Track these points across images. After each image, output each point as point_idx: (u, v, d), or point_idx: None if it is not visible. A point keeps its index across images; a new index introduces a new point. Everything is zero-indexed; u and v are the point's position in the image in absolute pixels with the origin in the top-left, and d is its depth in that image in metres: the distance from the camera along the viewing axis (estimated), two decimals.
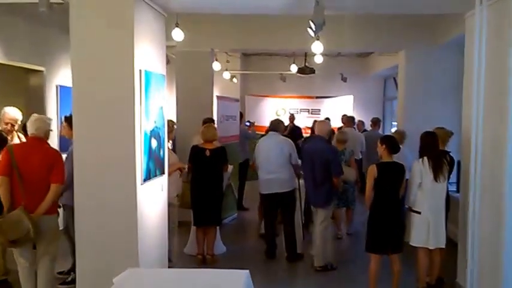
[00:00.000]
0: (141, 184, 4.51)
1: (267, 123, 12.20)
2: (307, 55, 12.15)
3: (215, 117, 8.27)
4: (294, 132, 11.58)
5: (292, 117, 13.25)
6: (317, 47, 6.75)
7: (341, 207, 7.46)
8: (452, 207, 5.66)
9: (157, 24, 5.10)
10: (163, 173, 5.22)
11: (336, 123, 12.61)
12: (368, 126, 11.92)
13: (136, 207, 4.43)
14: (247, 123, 11.60)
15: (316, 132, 6.45)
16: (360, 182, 7.70)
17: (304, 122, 13.72)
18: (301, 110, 15.06)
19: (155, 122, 4.90)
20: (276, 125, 6.88)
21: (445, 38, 7.66)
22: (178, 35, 7.01)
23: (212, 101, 8.74)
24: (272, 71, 14.33)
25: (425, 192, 5.11)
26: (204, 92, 8.61)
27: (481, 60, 4.67)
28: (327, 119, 12.58)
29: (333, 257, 6.26)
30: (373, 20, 7.95)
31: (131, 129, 4.39)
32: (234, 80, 14.30)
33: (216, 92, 9.48)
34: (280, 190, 6.47)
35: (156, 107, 4.93)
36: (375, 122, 10.61)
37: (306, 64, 12.27)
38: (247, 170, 9.16)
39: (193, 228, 6.66)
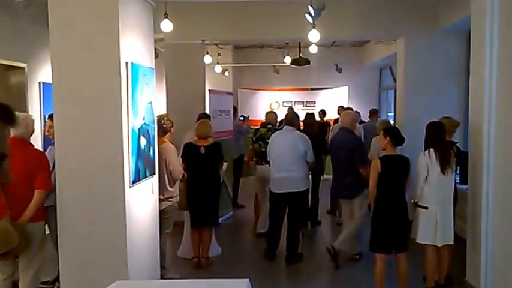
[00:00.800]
0: (130, 187, 4.21)
1: (260, 117, 11.91)
2: (301, 46, 11.82)
3: (207, 112, 7.94)
4: None
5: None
6: (313, 36, 6.46)
7: None
8: (459, 200, 5.39)
9: (145, 14, 4.80)
10: (154, 173, 4.91)
11: (332, 115, 12.38)
12: (364, 117, 11.65)
13: (125, 212, 4.12)
14: (241, 118, 11.28)
15: (340, 124, 6.31)
16: None
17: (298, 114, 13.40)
18: (295, 102, 14.75)
19: (144, 118, 4.58)
20: (291, 120, 6.47)
21: (446, 23, 7.40)
22: (167, 26, 6.64)
23: (204, 96, 8.43)
24: (265, 63, 14.01)
25: (432, 185, 4.84)
26: (196, 86, 8.29)
27: (493, 43, 4.40)
28: (322, 111, 12.42)
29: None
30: (371, 7, 7.73)
31: (118, 127, 4.08)
32: (226, 73, 13.98)
33: (207, 86, 9.16)
34: (292, 189, 6.05)
35: (145, 102, 4.61)
36: (373, 113, 10.34)
37: (301, 55, 11.94)
38: (241, 166, 8.95)
39: (186, 229, 6.36)
